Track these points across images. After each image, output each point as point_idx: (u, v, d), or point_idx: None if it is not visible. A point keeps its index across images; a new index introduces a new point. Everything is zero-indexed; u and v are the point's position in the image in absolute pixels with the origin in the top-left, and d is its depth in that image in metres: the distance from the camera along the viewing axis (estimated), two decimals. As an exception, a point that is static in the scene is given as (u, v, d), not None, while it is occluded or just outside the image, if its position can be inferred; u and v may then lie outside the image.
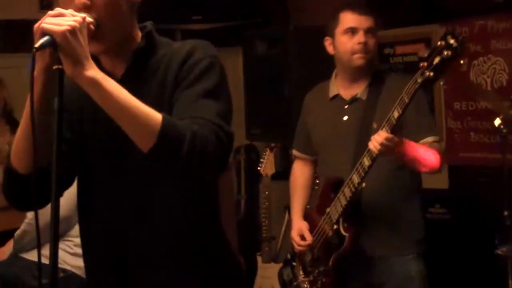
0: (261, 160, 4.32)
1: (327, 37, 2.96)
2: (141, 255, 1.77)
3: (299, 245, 3.04)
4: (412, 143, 2.67)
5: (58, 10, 1.50)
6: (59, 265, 1.79)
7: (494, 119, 3.18)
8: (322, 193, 2.98)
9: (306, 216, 3.09)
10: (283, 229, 4.48)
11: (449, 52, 2.35)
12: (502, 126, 3.14)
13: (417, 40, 4.51)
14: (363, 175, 2.67)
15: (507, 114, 3.05)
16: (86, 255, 1.90)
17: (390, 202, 2.83)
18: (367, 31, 2.82)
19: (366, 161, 2.63)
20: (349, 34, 2.84)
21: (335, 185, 2.84)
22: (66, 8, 1.55)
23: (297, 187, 3.22)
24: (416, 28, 4.49)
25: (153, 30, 1.81)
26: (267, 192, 4.30)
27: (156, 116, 1.51)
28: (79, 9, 1.58)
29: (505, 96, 3.18)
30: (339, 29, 2.88)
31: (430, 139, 2.77)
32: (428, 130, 2.80)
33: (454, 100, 4.29)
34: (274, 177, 4.31)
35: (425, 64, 2.42)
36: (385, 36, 4.64)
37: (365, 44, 2.80)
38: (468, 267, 3.79)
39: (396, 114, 2.52)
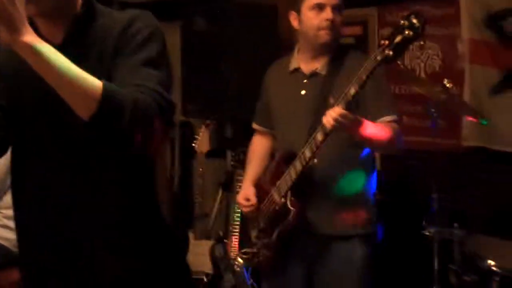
0: (196, 137, 4.31)
1: (292, 11, 2.90)
2: (76, 231, 1.74)
3: (244, 207, 3.05)
4: (368, 122, 2.64)
5: None
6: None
7: (426, 103, 3.25)
8: (276, 166, 2.97)
9: (258, 187, 3.08)
10: (216, 206, 4.49)
11: (411, 32, 2.35)
12: (433, 110, 3.22)
13: (354, 23, 4.56)
14: (314, 149, 2.65)
15: (438, 99, 3.13)
16: (19, 227, 1.87)
17: (340, 180, 2.81)
18: (334, 8, 2.79)
19: (319, 136, 2.60)
20: (316, 10, 2.79)
21: (288, 159, 2.83)
22: None
23: (253, 156, 3.22)
24: (352, 11, 4.52)
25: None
26: (201, 169, 4.29)
27: (96, 83, 1.49)
28: None
29: (437, 81, 3.24)
30: (306, 4, 2.83)
31: (387, 118, 2.75)
32: (386, 109, 2.78)
33: (388, 82, 4.36)
34: (209, 154, 4.31)
35: (386, 42, 2.41)
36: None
37: (332, 21, 2.77)
38: (397, 248, 3.89)
39: (352, 91, 2.49)
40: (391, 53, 2.40)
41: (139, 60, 1.63)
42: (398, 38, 2.39)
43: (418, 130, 4.15)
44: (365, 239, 2.87)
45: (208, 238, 4.30)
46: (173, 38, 4.70)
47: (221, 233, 4.16)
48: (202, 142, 4.25)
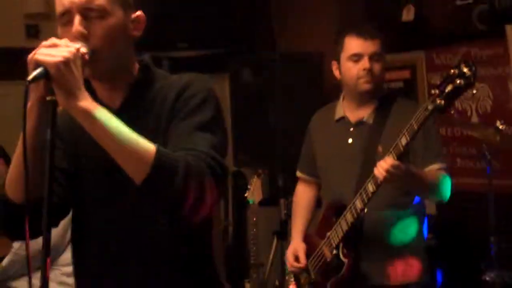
0: (249, 186, 4.32)
1: (333, 61, 2.91)
2: (133, 282, 1.76)
3: (292, 266, 3.02)
4: (418, 171, 2.61)
5: (52, 40, 1.49)
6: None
7: (480, 145, 3.21)
8: (324, 217, 2.94)
9: (306, 239, 3.05)
10: (271, 255, 4.47)
11: (462, 81, 2.31)
12: (487, 153, 3.17)
13: (402, 67, 4.55)
14: (366, 201, 2.62)
15: (492, 141, 3.08)
16: (78, 282, 1.89)
17: (391, 229, 2.76)
18: (372, 56, 2.77)
19: (370, 187, 2.57)
20: (353, 60, 2.79)
21: (337, 209, 2.79)
22: (64, 37, 1.55)
23: (298, 208, 3.19)
24: (400, 55, 4.52)
25: (150, 63, 1.82)
26: (254, 219, 4.29)
27: (150, 147, 1.51)
28: (76, 38, 1.58)
29: (489, 122, 3.21)
30: (344, 55, 2.83)
31: (436, 166, 2.71)
32: (435, 157, 2.73)
33: (440, 126, 4.32)
34: (262, 203, 4.30)
35: (437, 91, 2.37)
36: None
37: (369, 70, 2.75)
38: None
39: (404, 141, 2.47)
40: (442, 102, 2.36)
41: (192, 125, 1.65)
42: (449, 88, 2.34)
43: (473, 172, 4.08)
44: (421, 287, 2.81)
45: (263, 288, 4.28)
46: (222, 90, 4.77)
47: (277, 283, 4.14)
48: (254, 191, 4.25)
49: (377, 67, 2.78)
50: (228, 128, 4.50)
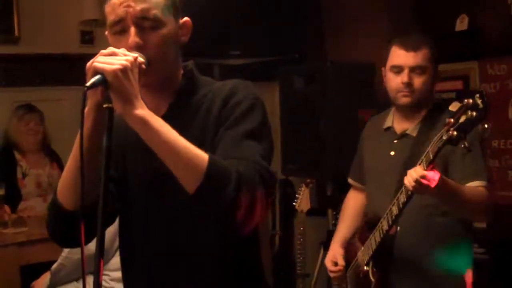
0: (297, 195, 4.30)
1: (382, 68, 2.81)
2: None
3: (330, 271, 2.99)
4: (453, 184, 2.46)
5: (110, 49, 1.51)
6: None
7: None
8: (362, 230, 2.91)
9: (347, 248, 3.01)
10: (318, 266, 4.44)
11: (474, 113, 2.16)
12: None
13: (455, 77, 4.49)
14: (390, 222, 2.55)
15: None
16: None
17: (425, 251, 2.65)
18: (413, 69, 2.66)
19: (402, 198, 2.47)
20: (394, 72, 2.70)
21: (372, 224, 2.73)
22: (119, 47, 1.57)
23: (344, 215, 3.15)
24: (453, 65, 4.46)
25: (194, 69, 1.83)
26: (302, 228, 4.26)
27: (203, 155, 1.51)
28: (131, 48, 1.60)
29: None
30: (388, 64, 2.75)
31: (475, 183, 2.56)
32: (474, 174, 2.58)
33: (492, 138, 4.25)
34: (310, 213, 4.28)
35: (452, 120, 2.23)
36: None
37: (408, 84, 2.66)
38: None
39: (424, 166, 2.35)
40: (455, 133, 2.20)
41: (240, 133, 1.65)
42: (462, 118, 2.19)
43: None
44: None
45: (310, 298, 4.25)
46: (272, 97, 4.77)
47: (323, 293, 4.11)
48: (302, 201, 4.23)
49: (418, 80, 2.67)
50: (278, 136, 4.55)
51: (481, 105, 2.15)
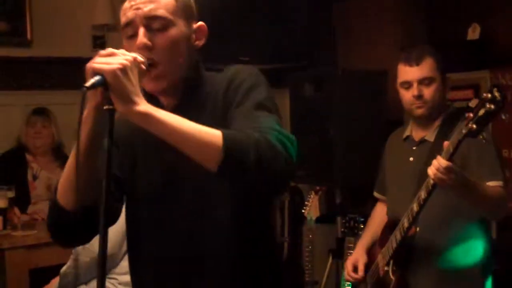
0: (306, 203, 4.30)
1: (395, 84, 2.94)
2: None
3: (349, 275, 3.06)
4: (475, 180, 2.55)
5: (109, 49, 1.52)
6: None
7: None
8: (383, 232, 2.97)
9: (369, 252, 3.08)
10: (326, 273, 4.43)
11: (492, 106, 2.27)
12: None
13: (466, 86, 4.48)
14: (411, 219, 2.62)
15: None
16: None
17: (443, 251, 2.73)
18: (421, 82, 2.78)
19: (423, 194, 2.55)
20: (405, 87, 2.83)
21: (394, 225, 2.81)
22: (131, 51, 1.58)
23: (371, 222, 3.23)
24: (464, 74, 4.46)
25: (200, 64, 1.84)
26: (311, 236, 4.26)
27: (215, 132, 1.51)
28: (140, 49, 1.62)
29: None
30: (398, 82, 2.88)
31: (492, 183, 2.64)
32: (491, 173, 2.66)
33: (502, 147, 4.23)
34: (319, 220, 4.28)
35: (471, 115, 2.34)
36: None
37: (419, 96, 2.78)
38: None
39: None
40: (474, 126, 2.32)
41: (249, 106, 1.66)
42: (481, 112, 2.31)
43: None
44: None
45: (317, 305, 4.24)
46: (282, 104, 4.77)
47: (331, 301, 4.10)
48: (311, 208, 4.23)
49: (428, 91, 2.79)
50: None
51: (498, 97, 2.26)
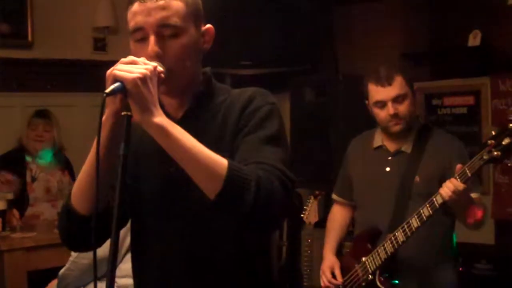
0: (305, 207, 4.29)
1: (367, 101, 2.98)
2: None
3: (328, 281, 3.06)
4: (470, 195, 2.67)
5: (131, 57, 1.52)
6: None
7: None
8: (358, 241, 2.99)
9: (340, 260, 3.11)
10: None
11: None
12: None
13: (466, 92, 4.48)
14: (409, 234, 2.67)
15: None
16: None
17: (424, 260, 2.80)
18: (395, 100, 2.82)
19: (415, 222, 2.64)
20: (379, 107, 2.87)
21: (373, 236, 2.87)
22: (140, 54, 1.58)
23: (332, 225, 3.27)
24: (465, 80, 4.46)
25: (212, 75, 1.83)
26: (309, 240, 4.25)
27: (222, 161, 1.51)
28: (151, 57, 1.60)
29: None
30: (370, 101, 2.92)
31: (473, 195, 2.72)
32: (474, 186, 2.76)
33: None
34: (317, 225, 4.27)
35: (493, 142, 2.42)
36: (434, 87, 4.63)
37: (395, 115, 2.82)
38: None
39: (461, 187, 2.52)
40: (499, 154, 2.40)
41: (260, 138, 1.65)
42: (506, 141, 2.39)
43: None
44: None
45: (316, 310, 4.23)
46: (283, 109, 4.76)
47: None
48: (310, 212, 4.22)
49: (402, 108, 2.83)
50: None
51: None
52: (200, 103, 1.76)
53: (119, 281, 3.06)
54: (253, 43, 4.60)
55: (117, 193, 1.42)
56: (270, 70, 4.85)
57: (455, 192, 2.50)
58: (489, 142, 2.43)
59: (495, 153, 2.40)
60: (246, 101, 1.72)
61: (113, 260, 1.41)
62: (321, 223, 4.28)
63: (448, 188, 2.52)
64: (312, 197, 4.21)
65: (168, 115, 1.57)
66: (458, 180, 2.50)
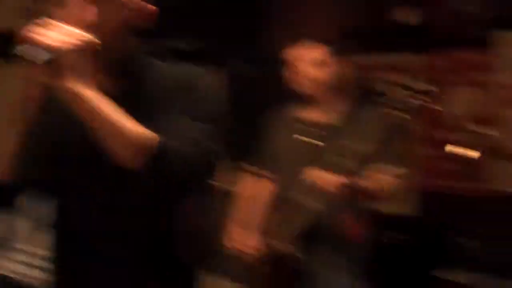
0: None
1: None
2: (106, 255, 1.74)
3: (244, 245, 3.00)
4: (371, 185, 2.79)
5: (59, 24, 1.48)
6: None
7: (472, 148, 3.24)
8: (271, 210, 2.98)
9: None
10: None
11: None
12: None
13: (405, 70, 4.54)
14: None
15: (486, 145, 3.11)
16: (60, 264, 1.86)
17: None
18: (314, 64, 2.89)
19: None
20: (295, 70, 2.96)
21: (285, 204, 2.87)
22: (59, 18, 1.53)
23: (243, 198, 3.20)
24: (403, 57, 4.52)
25: (146, 50, 1.81)
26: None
27: (143, 134, 1.52)
28: (83, 27, 1.54)
29: (482, 125, 3.23)
30: (289, 65, 3.03)
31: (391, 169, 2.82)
32: (389, 160, 2.82)
33: (432, 128, 4.34)
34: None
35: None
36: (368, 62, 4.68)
37: (313, 78, 2.88)
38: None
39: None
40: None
41: (191, 114, 1.65)
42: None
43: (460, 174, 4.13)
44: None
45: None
46: (221, 84, 4.75)
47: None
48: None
49: (321, 73, 2.87)
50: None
51: None
52: (132, 77, 1.73)
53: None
54: (190, 18, 4.57)
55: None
56: (206, 46, 4.83)
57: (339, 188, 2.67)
58: None
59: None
60: (182, 78, 1.72)
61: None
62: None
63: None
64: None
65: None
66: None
